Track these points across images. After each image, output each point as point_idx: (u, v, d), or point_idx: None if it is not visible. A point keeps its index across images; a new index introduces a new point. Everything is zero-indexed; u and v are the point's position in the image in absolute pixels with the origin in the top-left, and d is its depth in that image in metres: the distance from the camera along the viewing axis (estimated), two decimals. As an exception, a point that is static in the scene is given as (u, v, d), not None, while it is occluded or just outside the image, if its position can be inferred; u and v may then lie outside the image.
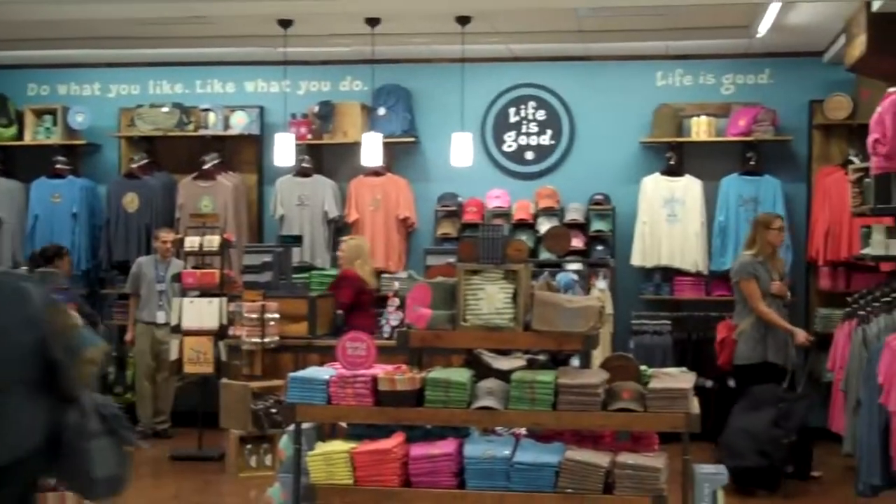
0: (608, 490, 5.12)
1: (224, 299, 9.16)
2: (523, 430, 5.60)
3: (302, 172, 10.91)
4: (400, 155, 11.14)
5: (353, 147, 10.48)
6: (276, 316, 8.81)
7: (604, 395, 5.27)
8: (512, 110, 11.12)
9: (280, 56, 10.32)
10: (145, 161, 11.12)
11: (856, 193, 8.88)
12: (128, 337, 10.53)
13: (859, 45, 7.76)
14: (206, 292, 9.25)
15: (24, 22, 9.28)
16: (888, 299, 7.56)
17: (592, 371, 5.53)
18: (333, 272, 9.93)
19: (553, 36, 10.17)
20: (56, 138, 11.27)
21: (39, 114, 11.39)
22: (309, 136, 10.93)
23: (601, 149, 10.91)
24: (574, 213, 10.62)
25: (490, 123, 11.13)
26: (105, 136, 11.44)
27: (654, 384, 5.34)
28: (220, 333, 9.09)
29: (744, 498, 7.85)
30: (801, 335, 8.40)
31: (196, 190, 11.01)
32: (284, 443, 5.64)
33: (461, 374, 5.41)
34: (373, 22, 9.38)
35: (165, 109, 11.12)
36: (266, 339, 8.76)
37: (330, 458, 5.28)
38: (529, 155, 11.11)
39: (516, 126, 11.12)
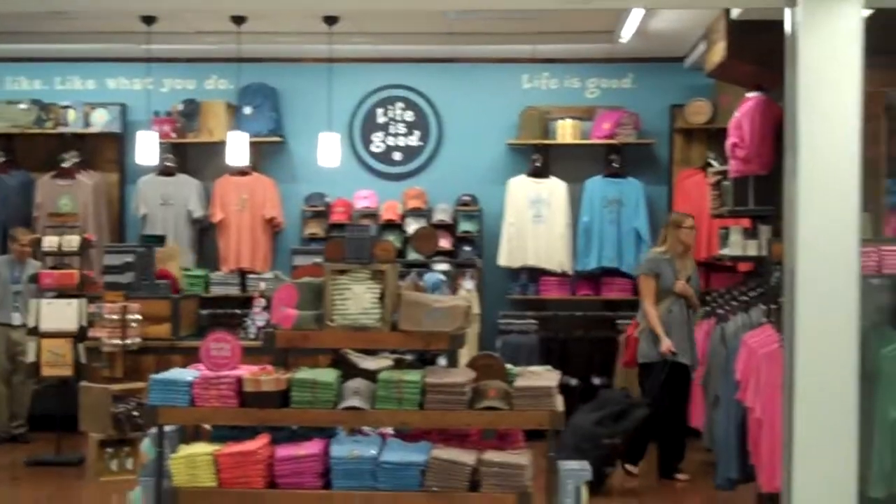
0: (474, 488, 5.16)
1: (83, 300, 8.93)
2: (390, 430, 5.60)
3: (165, 171, 10.72)
4: (266, 154, 11.03)
5: (219, 146, 10.32)
6: (138, 317, 8.65)
7: (470, 393, 5.30)
8: (380, 111, 11.12)
9: (143, 53, 10.10)
10: (2, 159, 10.77)
11: (715, 196, 9.10)
12: (-19, 339, 10.18)
13: (719, 52, 7.95)
14: (64, 293, 9.01)
15: None
16: (745, 298, 7.75)
17: (459, 370, 5.56)
18: (198, 273, 9.77)
19: (422, 38, 10.19)
20: None
21: None
22: (173, 135, 10.74)
23: (469, 150, 10.99)
24: (441, 214, 10.67)
25: (358, 124, 11.11)
26: (-41, 134, 11.06)
27: (519, 382, 5.40)
28: (79, 335, 8.86)
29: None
30: (666, 345, 8.20)
31: (55, 189, 10.72)
32: (146, 446, 5.54)
33: (328, 375, 5.39)
34: (239, 20, 9.26)
35: (23, 106, 10.80)
36: (127, 341, 8.59)
37: (193, 461, 5.20)
38: (397, 156, 11.12)
39: (384, 127, 11.12)
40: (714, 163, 9.83)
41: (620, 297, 10.59)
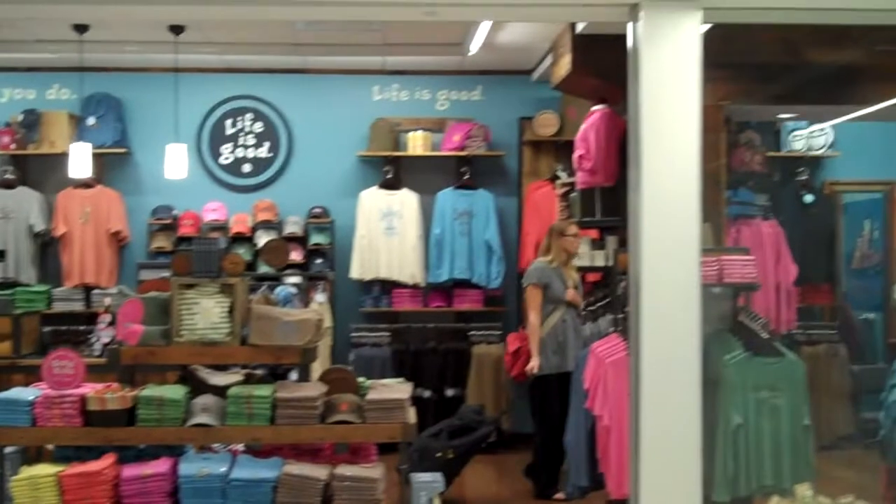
0: (327, 502, 5.13)
1: (-84, 318, 8.58)
2: (241, 447, 5.53)
3: (5, 184, 10.38)
4: (111, 166, 10.77)
5: (61, 158, 10.03)
6: (-23, 335, 8.35)
7: (322, 407, 5.27)
8: (229, 122, 10.98)
9: (-20, 61, 9.79)
10: None
11: (563, 207, 9.25)
12: None
13: (565, 65, 8.07)
14: None
15: None
16: (594, 308, 7.89)
17: (311, 384, 5.52)
18: (40, 288, 9.45)
19: (270, 48, 10.10)
20: None
21: None
22: (13, 146, 10.42)
23: (319, 162, 10.93)
24: (292, 226, 10.58)
25: (206, 135, 10.94)
26: None
27: (371, 396, 5.39)
28: (-85, 355, 8.52)
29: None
30: (533, 363, 8.11)
31: None
32: (-15, 469, 5.34)
33: (175, 392, 5.29)
34: (81, 28, 9.04)
35: None
36: (-35, 360, 8.28)
37: (35, 483, 5.05)
38: (247, 167, 10.99)
39: (233, 138, 10.98)
40: (562, 174, 9.97)
41: (472, 309, 10.67)
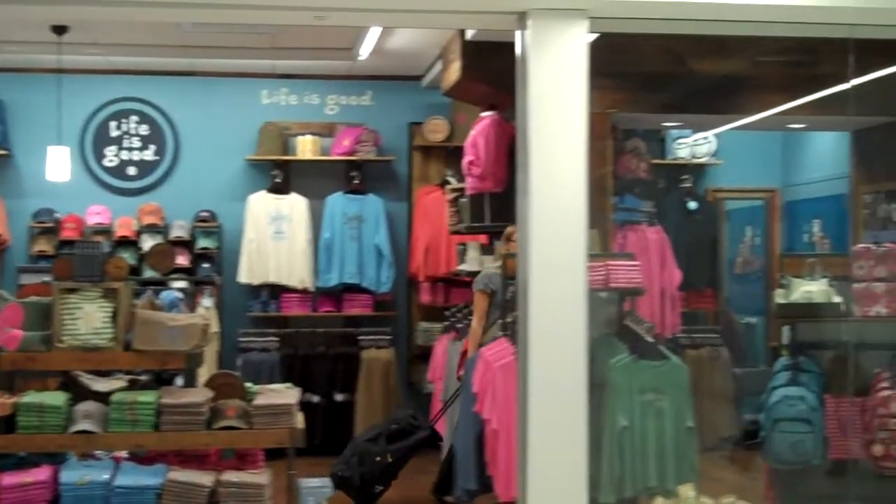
0: (213, 510, 5.07)
1: None
2: (124, 454, 5.44)
3: None
4: (-9, 168, 10.52)
5: (-62, 159, 9.77)
6: None
7: (208, 413, 5.22)
8: (113, 124, 10.79)
9: None
10: None
11: (453, 212, 9.28)
12: None
13: (454, 71, 8.12)
14: None
15: None
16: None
17: (196, 390, 5.46)
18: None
19: (156, 50, 9.94)
20: None
21: None
22: None
23: (207, 165, 10.81)
24: (179, 230, 10.45)
25: (90, 137, 10.74)
26: None
27: (258, 401, 5.35)
28: None
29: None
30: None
31: None
32: None
33: (56, 398, 5.19)
34: (-40, 26, 8.81)
35: None
36: None
37: None
38: (132, 170, 10.81)
39: (118, 140, 10.80)
40: (452, 180, 10.03)
41: (362, 314, 10.66)
